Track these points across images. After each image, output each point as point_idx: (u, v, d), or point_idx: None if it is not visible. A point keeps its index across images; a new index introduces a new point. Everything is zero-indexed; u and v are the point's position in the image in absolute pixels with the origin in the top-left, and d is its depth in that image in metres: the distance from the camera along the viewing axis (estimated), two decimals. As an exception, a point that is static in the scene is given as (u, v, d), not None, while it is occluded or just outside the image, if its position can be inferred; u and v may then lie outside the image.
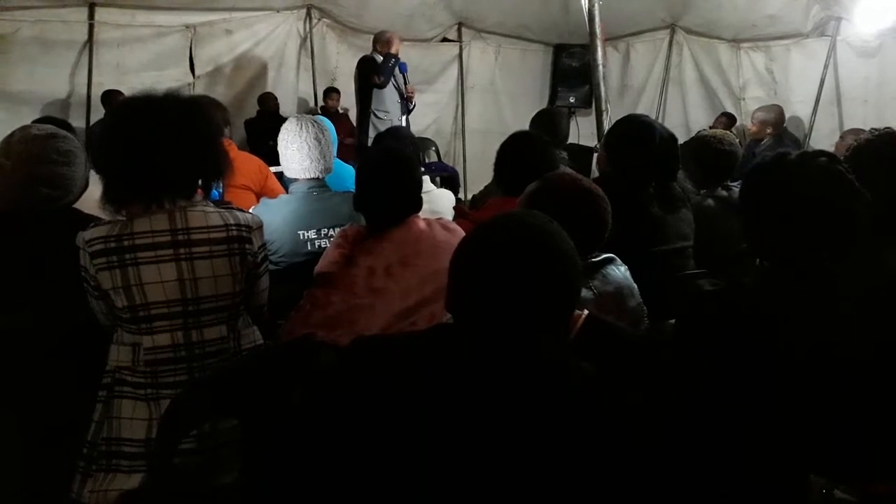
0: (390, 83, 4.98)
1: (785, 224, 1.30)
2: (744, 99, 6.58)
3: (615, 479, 0.98)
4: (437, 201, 2.73)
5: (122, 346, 1.53)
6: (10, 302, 1.62)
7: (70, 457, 1.52)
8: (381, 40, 5.04)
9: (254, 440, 1.43)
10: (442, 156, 6.00)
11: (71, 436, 1.53)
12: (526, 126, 3.62)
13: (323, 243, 2.15)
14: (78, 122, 5.11)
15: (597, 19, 4.83)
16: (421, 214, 1.89)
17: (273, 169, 3.03)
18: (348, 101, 5.95)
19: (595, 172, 3.52)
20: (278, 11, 6.10)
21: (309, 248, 2.16)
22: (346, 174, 2.81)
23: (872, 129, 1.93)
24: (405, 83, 5.05)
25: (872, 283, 1.31)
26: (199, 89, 5.70)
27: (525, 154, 2.33)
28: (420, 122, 6.26)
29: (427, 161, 3.54)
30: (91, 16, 5.32)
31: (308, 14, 6.23)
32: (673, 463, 1.06)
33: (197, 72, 5.82)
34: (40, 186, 1.67)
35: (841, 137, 4.39)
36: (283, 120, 2.35)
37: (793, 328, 1.23)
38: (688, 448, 1.13)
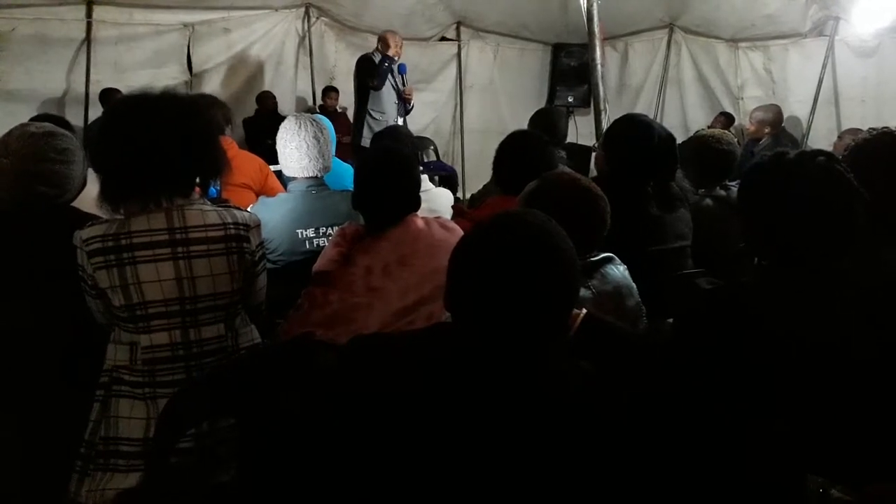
0: (388, 84, 4.96)
1: (783, 223, 1.31)
2: (742, 98, 6.59)
3: (613, 479, 0.98)
4: (436, 200, 2.73)
5: (120, 345, 1.53)
6: (7, 300, 1.62)
7: (68, 456, 1.52)
8: (382, 39, 5.03)
9: (250, 439, 1.43)
10: (441, 155, 6.01)
11: (69, 435, 1.53)
12: (524, 125, 3.62)
13: (321, 242, 2.15)
14: (76, 120, 5.10)
15: (595, 19, 4.83)
16: (419, 213, 1.89)
17: (272, 168, 3.03)
18: (347, 100, 5.95)
19: (593, 172, 3.53)
20: (276, 10, 6.10)
21: (307, 246, 2.16)
22: (345, 173, 2.81)
23: (870, 128, 1.94)
24: (404, 84, 5.03)
25: (871, 283, 1.31)
26: (197, 88, 5.70)
27: (524, 153, 2.33)
28: (419, 122, 6.26)
29: (426, 160, 3.54)
30: (89, 14, 5.31)
31: (306, 13, 6.22)
32: (671, 462, 1.06)
33: (194, 70, 5.82)
34: (38, 185, 1.66)
35: (839, 137, 4.41)
36: (282, 119, 2.35)
37: (791, 327, 1.23)
38: (686, 447, 1.13)
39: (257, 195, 2.85)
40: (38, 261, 1.62)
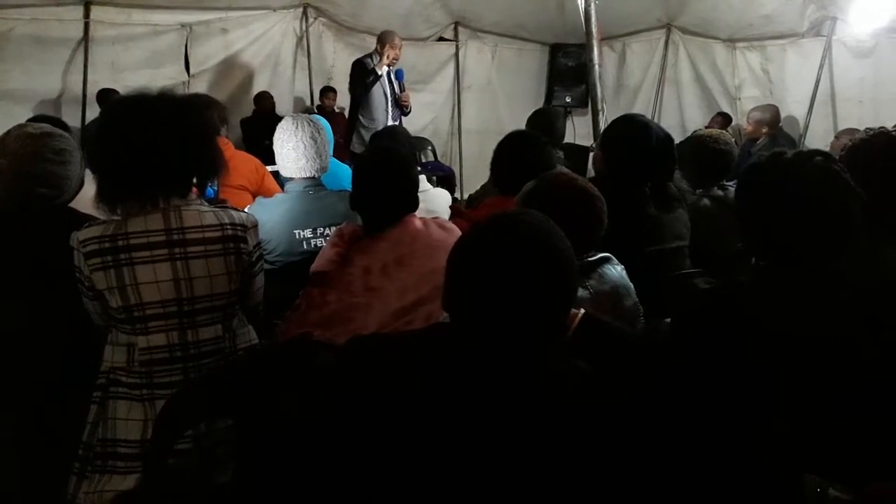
0: (382, 90, 4.90)
1: (780, 223, 1.31)
2: (739, 99, 6.59)
3: (612, 479, 0.98)
4: (434, 201, 2.73)
5: (117, 347, 1.53)
6: (4, 301, 1.61)
7: (66, 458, 1.52)
8: (380, 41, 4.97)
9: (248, 440, 1.42)
10: (439, 156, 6.00)
11: (67, 436, 1.53)
12: (522, 125, 3.62)
13: (319, 242, 2.15)
14: (73, 120, 5.09)
15: (593, 19, 4.84)
16: (417, 214, 1.89)
17: (269, 168, 3.02)
18: (344, 100, 5.93)
19: (591, 172, 3.52)
20: (274, 10, 6.09)
21: (305, 247, 2.15)
22: (342, 173, 2.81)
23: (867, 128, 1.94)
24: (401, 90, 4.96)
25: (868, 283, 1.32)
26: (194, 88, 5.69)
27: (521, 153, 2.34)
28: (417, 122, 6.25)
29: (423, 160, 3.54)
30: (86, 14, 5.29)
31: (304, 13, 6.21)
32: (669, 462, 1.06)
33: (192, 70, 5.80)
34: (36, 185, 1.66)
35: (836, 137, 4.41)
36: (280, 119, 2.35)
37: (788, 327, 1.23)
38: (684, 447, 1.13)
39: (254, 196, 2.84)
40: (36, 262, 1.62)
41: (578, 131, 6.47)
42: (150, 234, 1.48)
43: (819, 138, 5.83)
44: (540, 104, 7.01)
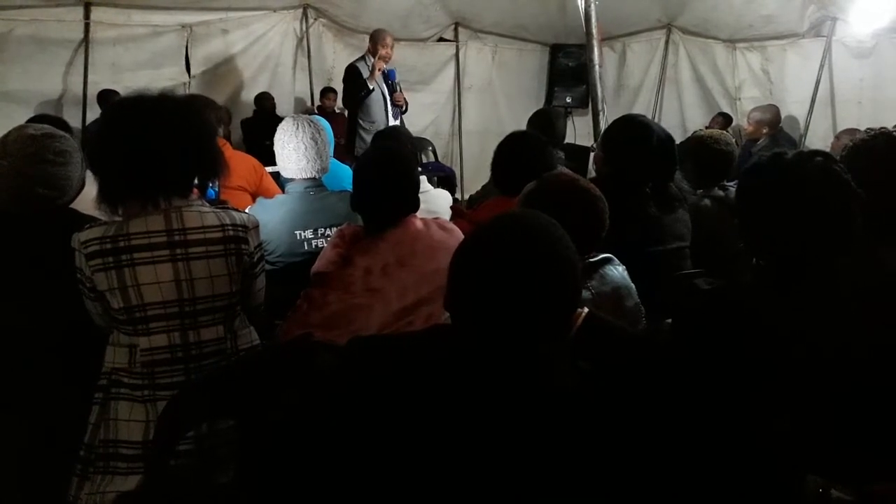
0: (378, 91, 4.88)
1: (781, 223, 1.31)
2: (740, 99, 6.60)
3: (613, 479, 0.98)
4: (434, 201, 2.73)
5: (119, 348, 1.53)
6: (6, 302, 1.62)
7: (67, 459, 1.52)
8: (372, 40, 4.94)
9: (250, 441, 1.43)
10: (440, 156, 5.99)
11: (68, 437, 1.53)
12: (523, 126, 3.62)
13: (320, 243, 2.15)
14: (74, 121, 5.08)
15: (593, 19, 4.84)
16: (418, 214, 1.89)
17: (269, 169, 3.02)
18: (344, 101, 5.95)
19: (592, 172, 3.53)
20: (275, 11, 6.09)
21: (306, 247, 2.15)
22: (343, 174, 2.81)
23: (868, 129, 1.94)
24: (394, 91, 4.93)
25: (869, 283, 1.32)
26: (195, 89, 5.69)
27: (522, 154, 2.33)
28: (418, 123, 6.25)
29: (424, 161, 3.54)
30: (87, 15, 5.30)
31: (304, 14, 6.22)
32: (670, 462, 1.06)
33: (193, 71, 5.81)
34: (36, 186, 1.66)
35: (836, 137, 4.41)
36: (280, 120, 2.35)
37: (789, 327, 1.23)
38: (685, 447, 1.14)
39: (253, 197, 2.84)
40: (37, 262, 1.62)
41: (579, 131, 6.47)
42: (152, 235, 1.48)
43: (819, 139, 5.84)
44: (540, 104, 7.02)
